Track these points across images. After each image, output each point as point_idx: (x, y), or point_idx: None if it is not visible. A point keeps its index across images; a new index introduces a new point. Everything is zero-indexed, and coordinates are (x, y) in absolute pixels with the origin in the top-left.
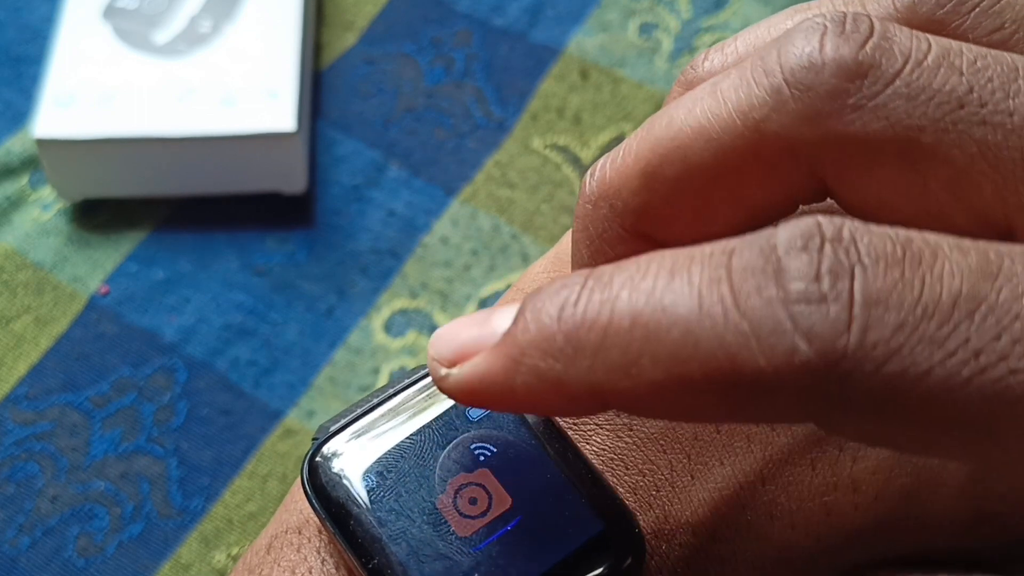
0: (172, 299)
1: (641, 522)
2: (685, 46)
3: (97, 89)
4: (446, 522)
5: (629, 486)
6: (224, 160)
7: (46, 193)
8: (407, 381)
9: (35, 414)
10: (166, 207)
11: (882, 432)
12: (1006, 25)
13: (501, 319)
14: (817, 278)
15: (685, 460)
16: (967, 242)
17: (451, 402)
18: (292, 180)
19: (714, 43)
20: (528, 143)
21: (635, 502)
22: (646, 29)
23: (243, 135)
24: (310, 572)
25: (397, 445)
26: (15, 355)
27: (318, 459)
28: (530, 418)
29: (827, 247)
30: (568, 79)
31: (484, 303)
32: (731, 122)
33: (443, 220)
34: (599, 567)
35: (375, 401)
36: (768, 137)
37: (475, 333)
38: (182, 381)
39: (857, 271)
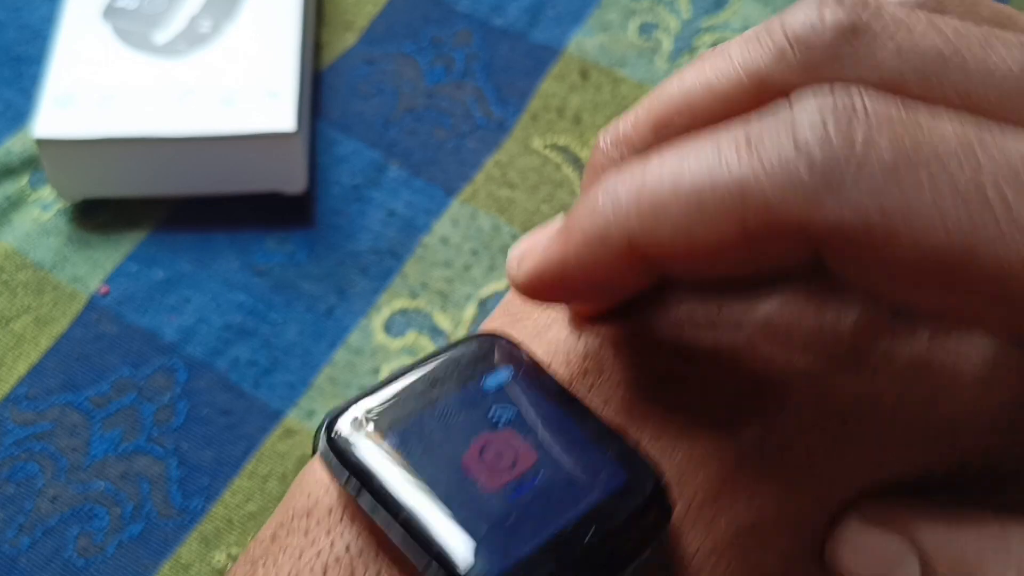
0: (172, 299)
1: (664, 473)
2: (685, 46)
3: (97, 89)
4: (473, 478)
5: (644, 437)
6: (224, 160)
7: (46, 193)
8: (417, 363)
9: (35, 414)
10: (166, 207)
11: (878, 262)
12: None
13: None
14: (824, 122)
15: (686, 413)
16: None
17: (468, 371)
18: (292, 180)
19: (714, 43)
20: (528, 143)
21: (652, 456)
22: (646, 29)
23: (243, 135)
24: (318, 555)
25: (417, 412)
26: (15, 355)
27: (337, 426)
28: (545, 385)
29: (838, 101)
30: (568, 79)
31: (484, 303)
32: (737, 77)
33: (443, 220)
34: (626, 515)
35: (397, 372)
36: (770, 88)
37: (540, 233)
38: (182, 381)
39: (859, 119)
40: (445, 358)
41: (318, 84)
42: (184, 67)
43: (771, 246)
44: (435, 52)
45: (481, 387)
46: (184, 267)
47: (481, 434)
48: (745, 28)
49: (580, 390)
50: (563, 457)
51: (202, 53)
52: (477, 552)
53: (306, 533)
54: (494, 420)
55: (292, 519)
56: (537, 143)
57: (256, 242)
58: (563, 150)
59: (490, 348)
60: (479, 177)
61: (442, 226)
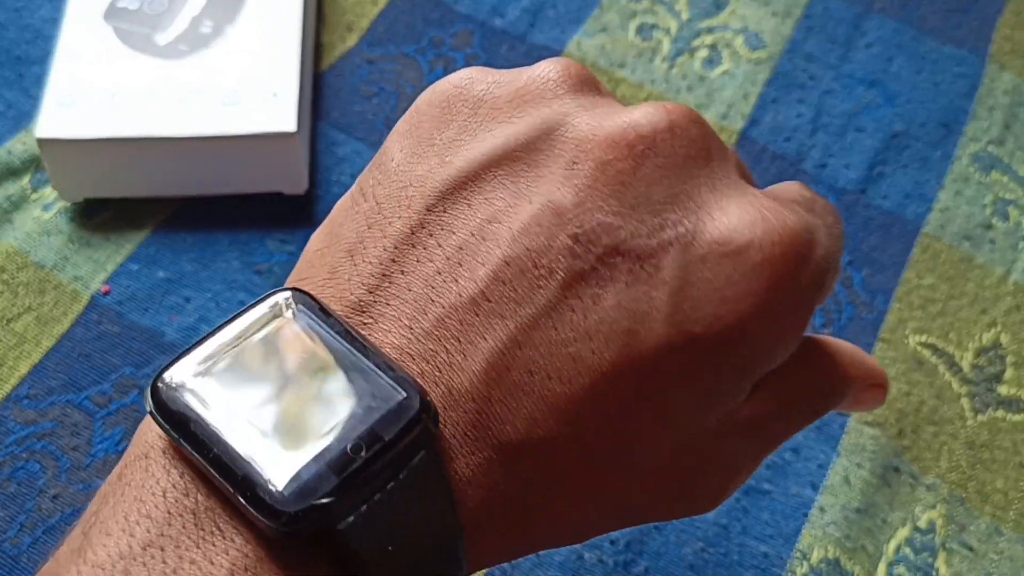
0: (173, 299)
1: (431, 397)
2: (684, 47)
3: (99, 89)
4: (275, 413)
5: (418, 372)
6: (225, 160)
7: (48, 193)
8: (241, 311)
9: (37, 413)
10: (167, 207)
11: None
12: None
13: None
14: None
15: (456, 343)
16: None
17: (262, 321)
18: (293, 180)
19: (713, 44)
20: None
21: (425, 384)
22: (645, 30)
23: (244, 135)
24: (157, 482)
25: (226, 362)
26: (17, 355)
27: (159, 383)
28: (334, 328)
29: None
30: None
31: None
32: None
33: None
34: (400, 426)
35: (206, 333)
36: None
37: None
38: None
39: None
40: (246, 314)
41: (319, 85)
42: (185, 68)
43: None
44: (436, 53)
45: (279, 334)
46: (185, 267)
47: (282, 371)
48: (744, 29)
49: (363, 327)
50: (354, 384)
51: (203, 54)
52: (267, 487)
53: (146, 469)
54: (291, 359)
55: (135, 460)
56: None
57: (257, 242)
58: None
59: (286, 298)
60: None
61: None
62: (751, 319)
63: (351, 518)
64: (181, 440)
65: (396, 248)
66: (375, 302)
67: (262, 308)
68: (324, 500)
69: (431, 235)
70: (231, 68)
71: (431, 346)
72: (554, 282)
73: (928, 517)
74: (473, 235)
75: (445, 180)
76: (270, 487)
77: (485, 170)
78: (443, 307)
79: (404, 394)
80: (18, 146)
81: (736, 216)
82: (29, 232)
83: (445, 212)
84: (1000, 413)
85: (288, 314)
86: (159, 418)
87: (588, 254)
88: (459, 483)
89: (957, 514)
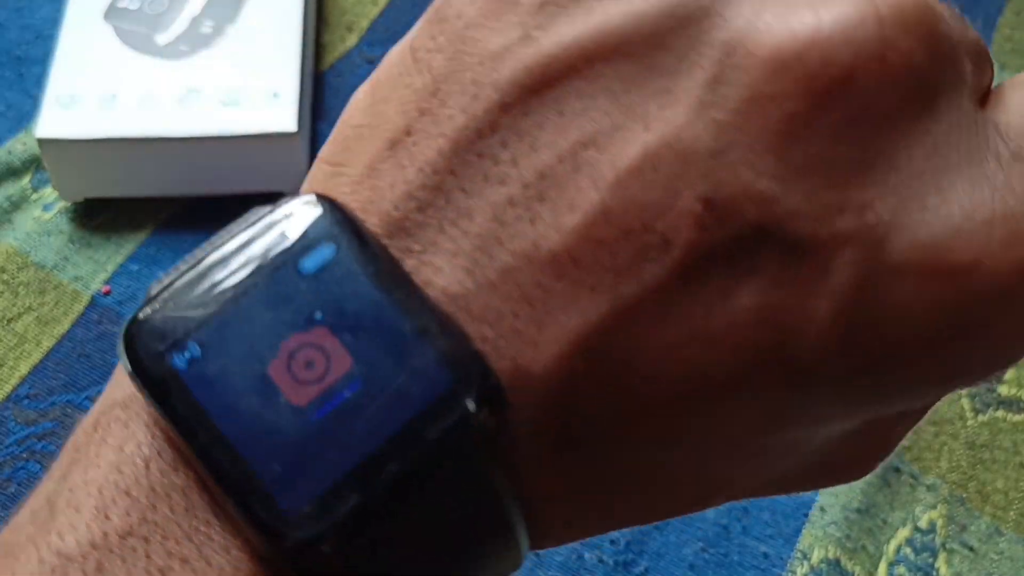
0: None
1: (497, 378)
2: None
3: (99, 90)
4: (279, 391)
5: (479, 338)
6: (226, 160)
7: (48, 193)
8: (234, 231)
9: (37, 413)
10: (168, 207)
11: None
12: None
13: None
14: None
15: (528, 308)
16: None
17: (280, 253)
18: (293, 180)
19: None
20: None
21: (487, 355)
22: None
23: (244, 135)
24: (139, 447)
25: (221, 307)
26: (17, 355)
27: (134, 329)
28: (370, 267)
29: None
30: None
31: None
32: None
33: None
34: (447, 423)
35: (200, 255)
36: None
37: None
38: None
39: None
40: (255, 236)
41: (319, 85)
42: (185, 68)
43: None
44: None
45: (297, 271)
46: None
47: (293, 335)
48: None
49: (410, 255)
50: (382, 360)
51: (203, 54)
52: (266, 496)
53: (125, 425)
54: (308, 315)
55: (112, 407)
56: None
57: None
58: None
59: (311, 217)
60: None
61: None
62: (949, 375)
63: (375, 545)
64: (163, 415)
65: (455, 154)
66: (425, 224)
67: (279, 223)
68: (341, 522)
69: (504, 145)
70: (231, 68)
71: (496, 304)
72: (669, 258)
73: (929, 517)
74: (561, 160)
75: (529, 66)
76: (273, 500)
77: (586, 62)
78: (513, 254)
79: (459, 373)
80: (18, 146)
81: (962, 209)
82: (29, 232)
83: (527, 115)
84: (1000, 413)
85: (317, 231)
86: (137, 381)
87: (723, 228)
88: (520, 487)
89: (958, 514)
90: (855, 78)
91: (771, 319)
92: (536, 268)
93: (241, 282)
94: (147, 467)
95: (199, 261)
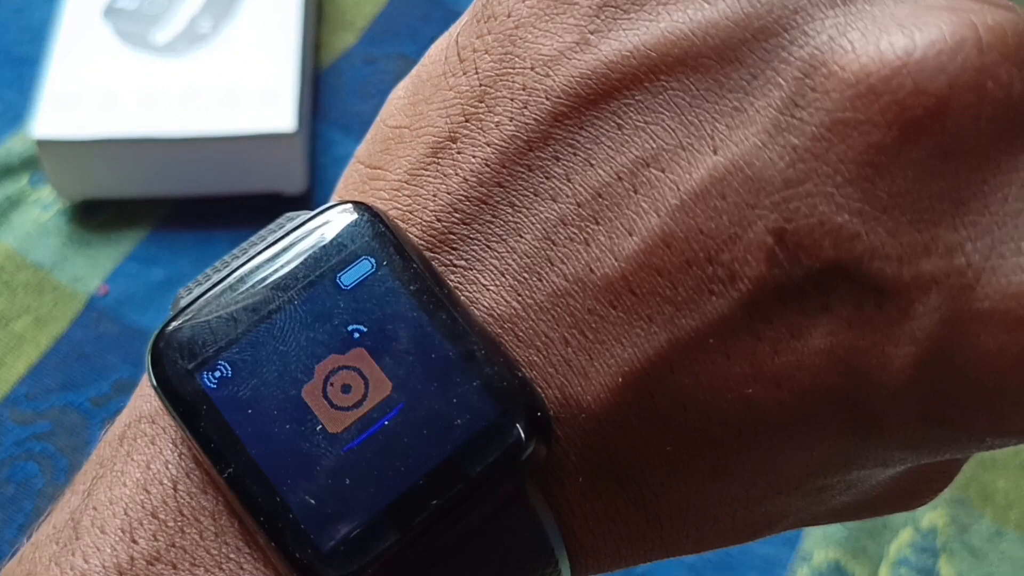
0: (172, 299)
1: (547, 409)
2: None
3: (97, 89)
4: (314, 416)
5: (523, 361)
6: (224, 160)
7: (46, 193)
8: (269, 239)
9: (35, 414)
10: (166, 207)
11: None
12: None
13: None
14: None
15: (580, 337)
16: None
17: (317, 267)
18: (292, 180)
19: None
20: None
21: (530, 380)
22: None
23: (243, 135)
24: (167, 465)
25: (254, 323)
26: (15, 355)
27: (162, 344)
28: (413, 285)
29: None
30: None
31: None
32: None
33: None
34: (491, 457)
35: (233, 265)
36: None
37: None
38: None
39: None
40: (289, 246)
41: (318, 84)
42: (184, 67)
43: None
44: None
45: (335, 287)
46: (184, 267)
47: (329, 356)
48: None
49: (453, 271)
50: (423, 386)
51: (202, 53)
52: (301, 531)
53: (152, 441)
54: (345, 336)
55: (139, 421)
56: None
57: None
58: None
59: (349, 227)
60: None
61: None
62: None
63: None
64: (191, 438)
65: (503, 165)
66: (469, 238)
67: (317, 233)
68: (378, 559)
69: (557, 158)
70: (230, 68)
71: (545, 329)
72: (734, 292)
73: (930, 519)
74: (619, 178)
75: (585, 74)
76: (310, 538)
77: (648, 72)
78: (564, 277)
79: (506, 403)
80: (16, 146)
81: None
82: (27, 232)
83: (582, 128)
84: None
85: (356, 244)
86: (164, 401)
87: (796, 265)
88: (565, 523)
89: (959, 515)
90: (949, 109)
91: (844, 362)
92: (589, 294)
93: (274, 296)
94: (175, 488)
95: (231, 271)
